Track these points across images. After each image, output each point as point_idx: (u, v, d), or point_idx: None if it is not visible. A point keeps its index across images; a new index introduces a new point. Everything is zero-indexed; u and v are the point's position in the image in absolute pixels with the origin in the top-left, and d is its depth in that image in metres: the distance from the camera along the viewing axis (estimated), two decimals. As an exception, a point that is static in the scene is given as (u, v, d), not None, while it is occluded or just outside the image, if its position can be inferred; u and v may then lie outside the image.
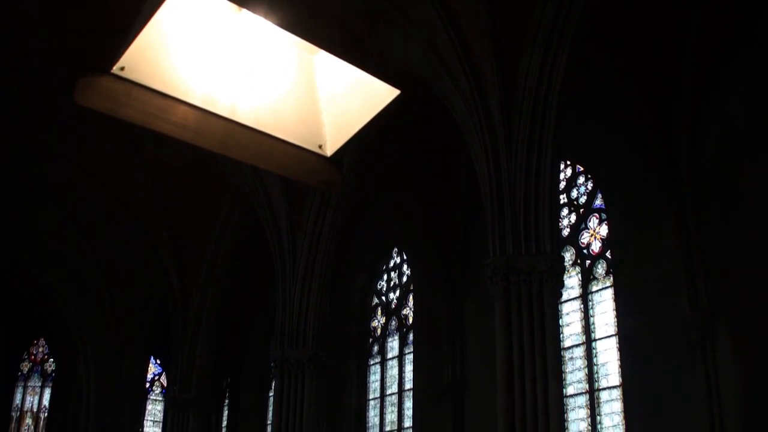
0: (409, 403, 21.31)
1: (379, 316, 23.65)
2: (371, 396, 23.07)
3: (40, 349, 37.05)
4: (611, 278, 16.69)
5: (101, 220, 24.38)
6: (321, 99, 2.88)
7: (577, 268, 17.50)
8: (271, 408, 21.06)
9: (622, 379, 15.75)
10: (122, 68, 2.49)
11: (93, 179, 22.37)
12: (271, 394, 22.84)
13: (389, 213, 22.17)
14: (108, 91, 2.49)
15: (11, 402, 36.39)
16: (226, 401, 30.26)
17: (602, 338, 16.61)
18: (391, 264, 23.70)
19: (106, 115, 2.62)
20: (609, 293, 16.67)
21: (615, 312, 16.33)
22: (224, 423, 30.07)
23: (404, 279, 23.02)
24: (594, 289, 17.11)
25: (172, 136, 2.71)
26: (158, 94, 2.56)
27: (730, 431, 13.43)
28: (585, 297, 17.18)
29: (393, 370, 22.48)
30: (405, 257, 23.12)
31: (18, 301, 33.16)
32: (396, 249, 23.54)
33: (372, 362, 23.35)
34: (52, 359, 36.77)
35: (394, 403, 22.10)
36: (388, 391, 22.45)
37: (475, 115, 12.52)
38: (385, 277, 23.80)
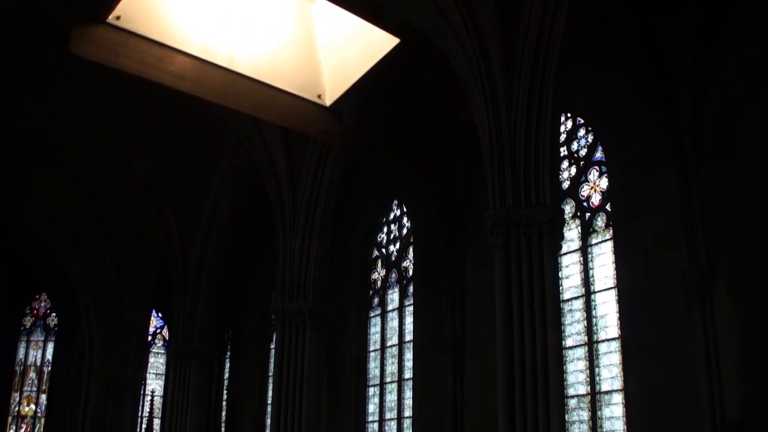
0: (409, 355, 21.47)
1: (379, 269, 23.74)
2: (372, 347, 23.25)
3: (42, 304, 37.25)
4: (611, 231, 16.72)
5: (101, 175, 24.36)
6: (320, 48, 2.86)
7: (577, 221, 17.52)
8: (272, 359, 21.23)
9: (621, 332, 15.84)
10: (118, 17, 2.46)
11: (92, 133, 22.29)
12: (272, 345, 23.03)
13: (389, 165, 22.15)
14: (104, 40, 2.47)
15: (14, 356, 36.67)
16: (228, 353, 30.49)
17: (601, 291, 16.68)
18: (391, 216, 23.74)
19: (104, 67, 2.60)
20: (608, 246, 16.70)
21: (614, 265, 16.38)
22: (226, 375, 30.34)
23: (404, 231, 23.06)
24: (593, 241, 17.15)
25: (170, 87, 2.69)
26: (155, 44, 2.54)
27: (727, 383, 13.53)
28: (584, 249, 17.22)
29: (393, 321, 22.62)
30: (405, 210, 23.15)
31: (19, 257, 33.27)
32: (396, 201, 23.55)
33: (372, 314, 23.50)
34: (54, 314, 36.98)
35: (394, 355, 22.28)
36: (389, 343, 22.61)
37: (475, 67, 12.44)
38: (385, 229, 23.84)
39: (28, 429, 36.12)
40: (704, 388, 13.73)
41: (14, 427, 36.10)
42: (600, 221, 17.09)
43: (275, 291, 17.11)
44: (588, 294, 16.90)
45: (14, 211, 27.48)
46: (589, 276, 16.99)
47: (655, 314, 15.05)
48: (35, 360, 36.85)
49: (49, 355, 36.78)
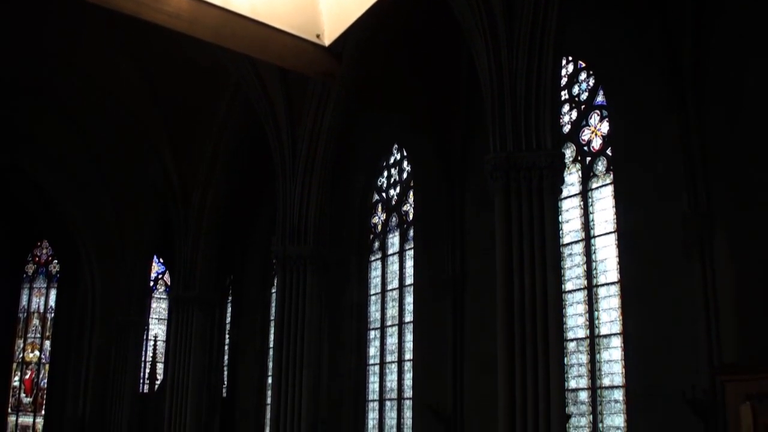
0: (409, 298, 21.60)
1: (379, 213, 23.78)
2: (372, 291, 23.38)
3: (44, 251, 37.35)
4: (611, 175, 16.70)
5: (100, 122, 24.30)
6: (318, -14, 2.82)
7: (578, 165, 17.50)
8: (273, 303, 21.36)
9: (620, 276, 15.91)
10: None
11: (91, 81, 22.19)
12: (273, 290, 23.15)
13: (389, 109, 22.03)
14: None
15: (18, 304, 36.87)
16: (230, 297, 30.66)
17: (601, 235, 16.71)
18: (392, 160, 23.70)
19: (101, 14, 2.58)
20: (609, 190, 16.70)
21: (614, 209, 16.39)
22: (228, 319, 30.54)
23: (404, 175, 23.05)
24: (594, 186, 17.14)
25: (166, 27, 2.67)
26: (150, -17, 2.51)
27: (724, 327, 13.63)
28: (585, 194, 17.23)
29: (394, 265, 22.72)
30: (405, 153, 23.10)
31: (20, 205, 33.28)
32: (396, 145, 23.50)
33: (373, 258, 23.59)
34: (55, 261, 37.10)
35: (395, 298, 22.41)
36: (389, 287, 22.74)
37: (476, 10, 12.31)
38: (386, 173, 23.83)
39: (33, 375, 36.44)
40: (702, 331, 13.82)
41: (19, 374, 36.44)
42: (600, 165, 17.06)
43: (276, 235, 17.15)
44: (588, 238, 16.94)
45: (14, 159, 27.45)
46: (589, 220, 17.01)
47: (654, 259, 15.10)
48: (38, 307, 37.06)
49: (51, 302, 36.97)
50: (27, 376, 36.45)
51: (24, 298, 37.10)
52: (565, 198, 17.06)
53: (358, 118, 21.64)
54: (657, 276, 14.95)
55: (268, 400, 20.93)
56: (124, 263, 28.19)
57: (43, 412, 35.91)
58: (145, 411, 28.53)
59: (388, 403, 22.06)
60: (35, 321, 36.98)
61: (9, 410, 36.04)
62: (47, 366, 36.34)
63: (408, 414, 21.03)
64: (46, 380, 36.20)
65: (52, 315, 36.79)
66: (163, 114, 21.79)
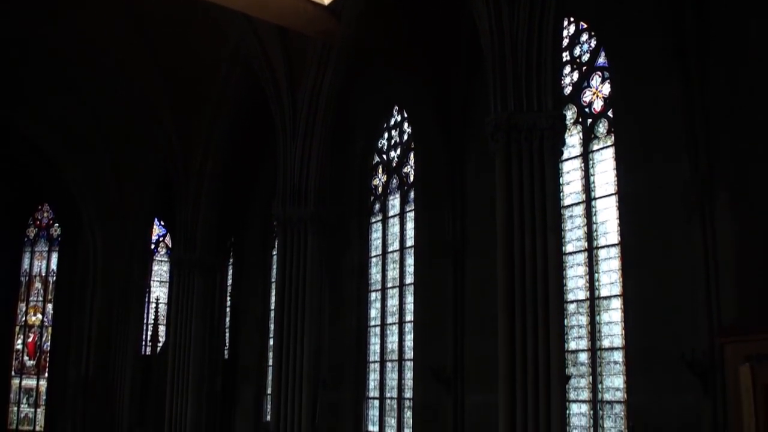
0: (410, 260, 21.63)
1: (380, 174, 23.74)
2: (373, 253, 23.42)
3: (45, 215, 37.38)
4: (612, 137, 16.64)
5: (101, 85, 24.24)
6: (317, -56, 2.79)
7: (579, 127, 17.44)
8: (274, 265, 21.41)
9: (621, 238, 15.90)
10: None
11: (91, 43, 22.08)
12: (274, 252, 23.20)
13: (389, 70, 21.90)
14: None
15: (20, 267, 36.97)
16: (231, 260, 30.74)
17: (602, 197, 16.68)
18: (392, 122, 23.63)
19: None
20: (610, 152, 16.64)
21: (615, 171, 16.35)
22: (229, 281, 30.64)
23: (405, 137, 22.99)
24: (595, 147, 17.09)
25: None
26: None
27: (724, 289, 13.64)
28: (585, 155, 17.18)
29: (394, 227, 22.73)
30: (405, 115, 23.02)
31: (20, 169, 33.23)
32: (396, 107, 23.41)
33: (374, 220, 23.60)
34: (56, 224, 37.14)
35: (395, 260, 22.46)
36: (390, 248, 22.77)
37: (477, -31, 12.22)
38: (386, 135, 23.76)
39: (36, 338, 36.63)
40: (702, 294, 13.83)
41: (22, 337, 36.63)
42: (601, 127, 17.00)
43: (277, 198, 17.14)
44: (588, 200, 16.92)
45: (15, 123, 27.38)
46: (590, 182, 16.98)
47: (655, 221, 15.09)
48: (40, 270, 37.16)
49: (53, 265, 37.07)
50: (30, 339, 36.64)
51: (26, 262, 37.20)
52: (566, 160, 17.01)
53: (358, 80, 21.55)
54: (657, 238, 14.96)
55: (270, 362, 21.05)
56: (125, 226, 28.25)
57: (46, 374, 36.14)
58: (148, 373, 28.74)
59: (389, 365, 22.19)
60: (37, 284, 37.10)
61: (12, 373, 36.29)
62: (50, 329, 36.53)
63: (409, 375, 21.16)
64: (48, 343, 36.40)
65: (54, 278, 36.91)
66: (163, 77, 21.73)
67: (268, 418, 19.96)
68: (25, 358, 36.54)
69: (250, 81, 19.69)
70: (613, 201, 16.32)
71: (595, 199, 16.82)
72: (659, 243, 14.90)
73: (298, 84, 17.25)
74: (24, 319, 36.82)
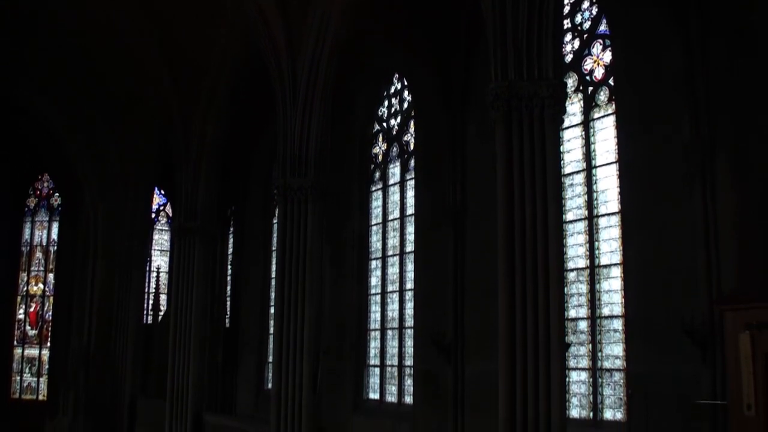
0: (410, 228, 21.65)
1: (380, 143, 23.70)
2: (373, 221, 23.43)
3: (45, 185, 37.42)
4: (613, 105, 16.58)
5: (100, 54, 24.13)
6: None
7: (579, 95, 17.36)
8: (275, 234, 21.43)
9: (621, 206, 15.90)
10: None
11: (92, 15, 22.00)
12: (275, 220, 23.19)
13: (389, 38, 21.74)
14: None
15: (20, 237, 37.06)
16: (232, 228, 30.76)
17: (602, 165, 16.65)
18: (392, 90, 23.55)
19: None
20: (610, 120, 16.59)
21: (616, 139, 16.31)
22: (230, 250, 30.69)
23: (405, 105, 22.92)
24: (596, 116, 17.03)
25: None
26: None
27: (724, 258, 13.64)
28: (586, 124, 17.13)
29: (395, 195, 22.73)
30: (406, 83, 22.94)
31: (20, 138, 33.19)
32: (397, 75, 23.32)
33: (374, 188, 23.59)
34: (57, 194, 37.17)
35: (396, 228, 22.47)
36: (390, 217, 22.77)
37: (477, -66, 12.11)
38: (386, 103, 23.69)
39: (37, 308, 36.79)
40: (702, 262, 13.85)
41: (24, 306, 36.79)
42: (602, 95, 16.93)
43: (277, 166, 17.12)
44: (589, 168, 16.89)
45: (14, 90, 27.32)
46: (591, 150, 16.95)
47: (655, 189, 15.07)
48: (41, 240, 37.25)
49: (54, 235, 37.17)
50: (32, 309, 36.81)
51: (26, 232, 37.29)
52: (567, 128, 16.97)
53: (357, 48, 21.43)
54: (658, 206, 14.94)
55: (271, 330, 21.13)
56: (126, 195, 28.28)
57: (48, 344, 36.34)
58: (150, 341, 28.89)
59: (389, 332, 22.28)
60: (38, 254, 37.21)
61: (15, 343, 36.49)
62: (51, 298, 36.69)
63: (409, 343, 21.26)
64: (50, 313, 36.58)
65: (55, 248, 37.01)
66: (162, 45, 21.62)
67: (270, 386, 20.07)
68: (27, 327, 36.72)
69: (250, 50, 19.60)
70: (613, 169, 16.29)
71: (595, 167, 16.79)
72: (660, 211, 14.89)
73: (297, 52, 17.17)
74: (25, 289, 36.96)
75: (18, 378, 36.45)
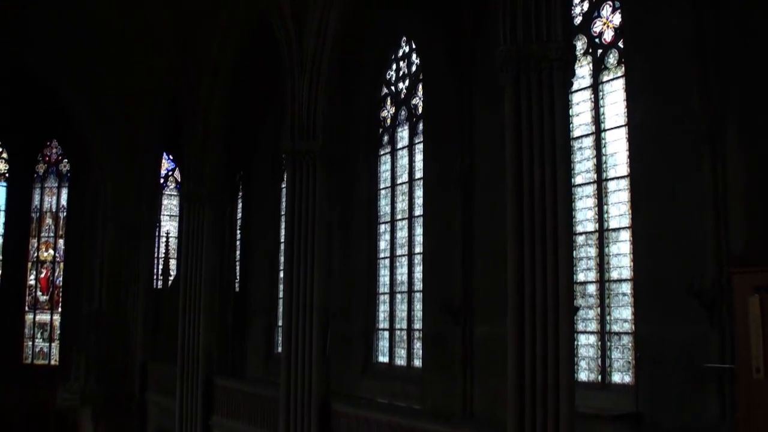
0: (419, 192, 21.63)
1: (388, 106, 23.62)
2: (382, 185, 23.41)
3: (54, 151, 37.49)
4: (622, 68, 16.48)
5: (107, 18, 24.03)
6: None
7: (589, 58, 17.26)
8: (284, 199, 21.44)
9: (630, 170, 15.86)
10: None
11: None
12: (283, 185, 23.20)
13: (398, 1, 21.62)
14: None
15: (30, 203, 37.19)
16: (240, 194, 30.79)
17: (612, 128, 16.59)
18: (400, 53, 23.43)
19: None
20: (620, 83, 16.50)
21: (625, 102, 16.23)
22: (239, 215, 30.74)
23: (413, 68, 22.81)
24: (605, 79, 16.94)
25: None
26: None
27: (733, 222, 13.61)
28: (595, 87, 17.04)
29: (403, 159, 22.69)
30: (414, 46, 22.81)
31: (27, 104, 33.18)
32: (404, 37, 23.19)
33: (382, 152, 23.55)
34: (66, 160, 37.25)
35: (404, 192, 22.46)
36: (399, 181, 22.76)
37: None
38: (394, 66, 23.58)
39: (48, 273, 37.01)
40: (711, 226, 13.83)
41: (35, 272, 37.01)
42: (612, 58, 16.83)
43: (284, 131, 17.09)
44: (598, 132, 16.83)
45: (21, 57, 27.26)
46: (600, 113, 16.87)
47: (664, 153, 15.01)
48: (50, 206, 37.40)
49: (63, 201, 37.32)
50: (42, 275, 37.04)
51: (36, 198, 37.44)
52: (576, 91, 16.89)
53: (365, 10, 21.28)
54: (667, 170, 14.90)
55: (281, 295, 21.22)
56: (134, 161, 28.29)
57: (59, 309, 36.60)
58: (160, 306, 29.03)
59: (398, 296, 22.36)
60: (48, 220, 37.36)
61: (26, 308, 36.75)
62: (62, 264, 36.91)
63: (418, 306, 21.34)
64: (61, 278, 36.82)
65: (65, 214, 37.17)
66: (169, 7, 21.51)
67: (280, 349, 20.18)
68: (39, 293, 36.97)
69: (257, 13, 19.48)
70: (622, 132, 16.23)
71: (604, 130, 16.73)
72: (669, 175, 14.84)
73: (304, 15, 17.05)
74: (36, 254, 37.16)
75: (30, 343, 36.76)
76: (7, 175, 37.47)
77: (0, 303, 36.19)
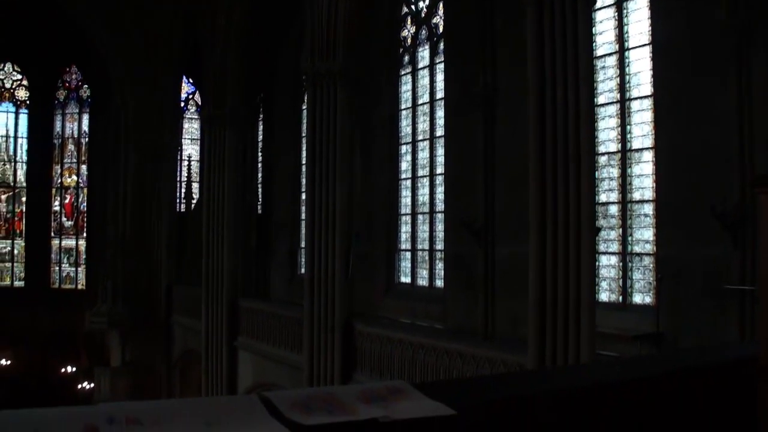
0: (440, 113, 21.47)
1: (409, 26, 23.30)
2: (403, 106, 23.24)
3: (73, 77, 37.47)
4: (648, -16, 16.17)
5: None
6: None
7: (613, -26, 16.94)
8: (305, 120, 21.39)
9: (654, 89, 15.67)
10: None
11: None
12: (304, 106, 23.13)
13: None
14: None
15: (52, 130, 37.36)
16: (261, 115, 30.71)
17: (635, 47, 16.33)
18: (420, -28, 23.06)
19: None
20: (644, 1, 16.19)
21: (649, 21, 15.93)
22: (260, 137, 30.73)
23: (434, -15, 22.46)
24: (629, -5, 16.64)
25: None
26: None
27: (759, 143, 13.45)
28: (619, 4, 16.73)
29: (424, 79, 22.47)
30: (435, -37, 22.44)
31: (45, 29, 33.03)
32: (425, -46, 22.80)
33: (403, 72, 23.32)
34: (86, 86, 37.24)
35: (426, 113, 22.29)
36: (420, 101, 22.59)
37: None
38: (414, -16, 23.24)
39: (72, 199, 37.38)
40: (735, 146, 13.68)
41: (59, 198, 37.39)
42: (636, -26, 16.49)
43: (305, 52, 16.96)
44: (621, 51, 16.58)
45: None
46: (624, 32, 16.60)
47: (689, 72, 14.77)
48: (72, 132, 37.58)
49: (85, 127, 37.49)
50: (67, 201, 37.43)
51: (57, 125, 37.62)
52: (599, 9, 16.59)
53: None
54: (691, 90, 14.69)
55: (303, 216, 21.32)
56: (154, 85, 28.25)
57: (84, 234, 37.04)
58: (183, 230, 29.33)
59: (420, 217, 22.40)
60: (70, 146, 37.59)
61: (52, 234, 37.22)
62: (85, 190, 37.27)
63: (440, 227, 21.38)
64: (85, 204, 37.23)
65: (87, 140, 37.37)
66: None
67: (303, 271, 20.37)
68: (64, 219, 37.41)
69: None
70: (646, 51, 15.98)
71: (628, 49, 16.47)
72: (693, 94, 14.65)
73: (323, -66, 16.80)
74: (60, 181, 37.49)
75: (57, 268, 37.34)
76: (28, 102, 37.59)
77: (26, 229, 36.67)
